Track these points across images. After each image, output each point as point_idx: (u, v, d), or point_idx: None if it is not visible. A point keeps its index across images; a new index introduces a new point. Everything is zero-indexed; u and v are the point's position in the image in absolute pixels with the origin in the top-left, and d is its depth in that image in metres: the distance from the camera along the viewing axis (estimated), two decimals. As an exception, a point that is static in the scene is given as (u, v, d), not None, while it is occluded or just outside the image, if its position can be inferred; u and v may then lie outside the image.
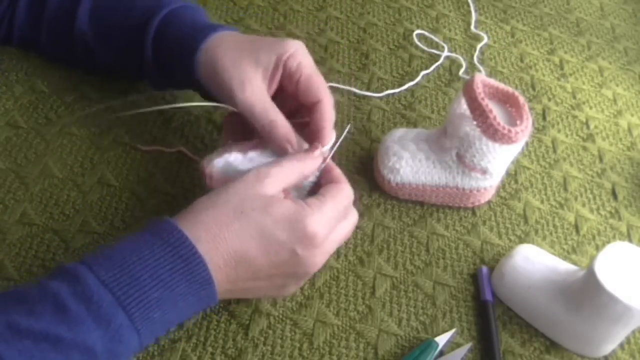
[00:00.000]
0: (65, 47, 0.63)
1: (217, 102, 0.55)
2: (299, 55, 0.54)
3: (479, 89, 0.56)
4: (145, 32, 0.58)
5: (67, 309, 0.38)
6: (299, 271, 0.48)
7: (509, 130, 0.55)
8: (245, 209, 0.45)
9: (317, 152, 0.53)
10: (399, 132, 0.63)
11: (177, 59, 0.57)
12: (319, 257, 0.48)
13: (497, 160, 0.57)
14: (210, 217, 0.44)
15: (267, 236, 0.45)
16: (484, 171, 0.58)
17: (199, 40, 0.55)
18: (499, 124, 0.54)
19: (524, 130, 0.55)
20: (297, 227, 0.45)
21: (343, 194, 0.50)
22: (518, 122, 0.57)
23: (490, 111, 0.55)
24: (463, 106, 0.58)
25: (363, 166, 0.65)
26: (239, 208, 0.45)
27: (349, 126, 0.67)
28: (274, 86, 0.55)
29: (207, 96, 0.59)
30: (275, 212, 0.45)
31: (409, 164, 0.60)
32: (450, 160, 0.59)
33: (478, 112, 0.55)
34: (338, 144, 0.54)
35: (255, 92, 0.53)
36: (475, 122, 0.56)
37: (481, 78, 0.57)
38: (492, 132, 0.55)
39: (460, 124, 0.57)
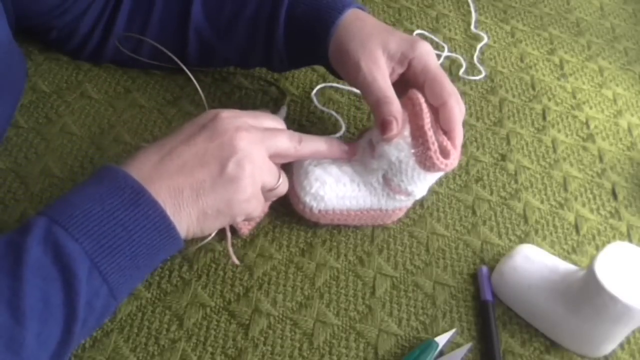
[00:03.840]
0: (174, 52, 0.62)
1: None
2: (424, 58, 0.55)
3: (428, 117, 0.52)
4: (276, 15, 0.59)
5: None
6: (211, 127, 0.46)
7: (446, 165, 0.52)
8: None
9: (344, 147, 0.54)
10: None
11: (310, 38, 0.58)
12: (229, 123, 0.46)
13: (424, 184, 0.55)
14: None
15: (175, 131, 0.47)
16: (409, 194, 0.55)
17: (333, 18, 0.56)
18: (438, 158, 0.51)
19: (457, 158, 0.53)
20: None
21: None
22: (447, 143, 0.53)
23: (433, 143, 0.51)
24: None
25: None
26: None
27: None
28: (394, 78, 0.56)
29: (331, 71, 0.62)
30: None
31: (333, 190, 0.54)
32: (376, 182, 0.55)
33: (421, 140, 0.52)
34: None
35: (380, 67, 0.54)
36: (413, 150, 0.52)
37: (424, 100, 0.52)
38: (429, 165, 0.52)
39: (394, 148, 0.53)
